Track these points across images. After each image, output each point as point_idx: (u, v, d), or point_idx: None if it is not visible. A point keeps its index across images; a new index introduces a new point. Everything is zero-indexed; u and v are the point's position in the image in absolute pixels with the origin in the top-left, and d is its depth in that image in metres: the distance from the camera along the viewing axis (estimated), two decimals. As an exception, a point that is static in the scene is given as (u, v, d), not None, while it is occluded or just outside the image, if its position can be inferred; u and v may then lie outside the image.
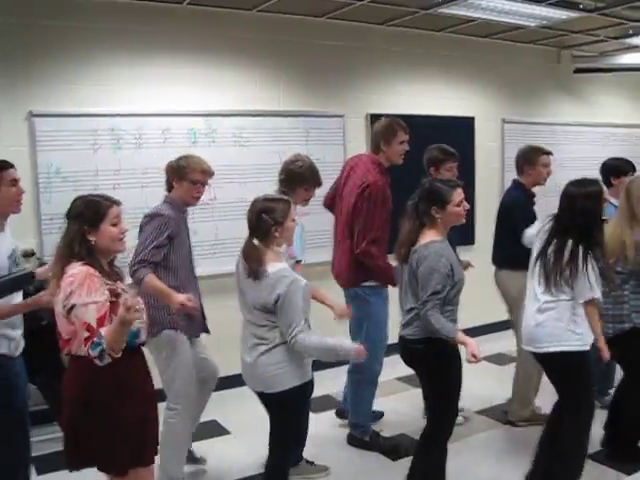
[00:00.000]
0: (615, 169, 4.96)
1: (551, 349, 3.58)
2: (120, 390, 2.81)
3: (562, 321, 3.57)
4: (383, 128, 4.45)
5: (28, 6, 4.82)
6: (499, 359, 6.21)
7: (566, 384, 3.67)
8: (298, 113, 5.93)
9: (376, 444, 4.53)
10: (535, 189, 4.79)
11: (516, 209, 4.66)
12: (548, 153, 4.83)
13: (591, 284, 3.52)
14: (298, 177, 4.13)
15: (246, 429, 4.73)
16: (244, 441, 4.66)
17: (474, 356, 3.22)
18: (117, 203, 2.94)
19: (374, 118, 6.17)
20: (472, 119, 7.09)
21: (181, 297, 3.57)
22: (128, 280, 3.32)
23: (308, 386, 3.46)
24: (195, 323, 3.99)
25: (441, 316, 3.27)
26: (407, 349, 3.56)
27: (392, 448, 4.43)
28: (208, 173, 3.94)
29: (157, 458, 3.15)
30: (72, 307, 2.68)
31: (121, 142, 5.14)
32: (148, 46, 5.25)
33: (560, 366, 3.64)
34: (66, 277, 2.74)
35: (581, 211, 3.57)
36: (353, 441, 4.61)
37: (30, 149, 4.87)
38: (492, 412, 5.08)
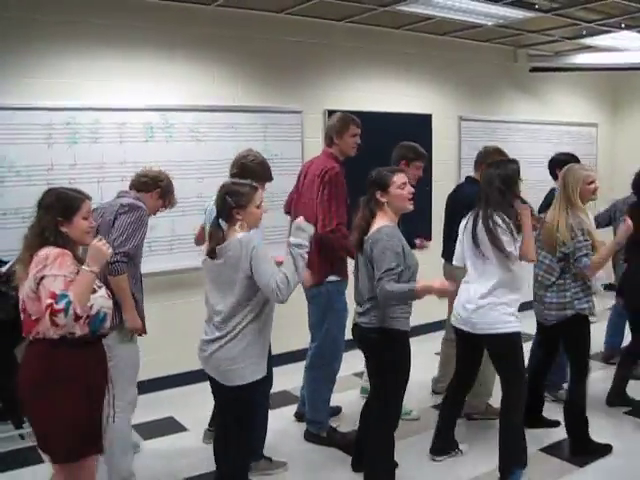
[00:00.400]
0: (560, 163, 5.13)
1: (492, 331, 3.85)
2: (74, 377, 2.86)
3: (496, 305, 3.86)
4: (336, 122, 4.56)
5: (-20, -3, 4.73)
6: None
7: (504, 360, 3.95)
8: (256, 109, 5.91)
9: (333, 440, 4.56)
10: None
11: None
12: (501, 152, 4.97)
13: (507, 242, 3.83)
14: (250, 171, 4.12)
15: (203, 425, 4.70)
16: (201, 438, 4.63)
17: (444, 286, 3.39)
18: (89, 198, 3.07)
19: (332, 114, 6.21)
20: (429, 116, 7.14)
21: (139, 323, 3.78)
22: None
23: (266, 381, 3.47)
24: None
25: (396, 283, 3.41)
26: (362, 337, 3.68)
27: (349, 443, 4.44)
28: None
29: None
30: (42, 278, 2.79)
31: (77, 136, 5.07)
32: (105, 39, 5.16)
33: (499, 346, 3.92)
34: (40, 253, 2.86)
35: (497, 189, 3.87)
36: (310, 437, 4.63)
37: (-18, 142, 4.78)
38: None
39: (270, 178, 4.30)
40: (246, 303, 3.26)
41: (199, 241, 4.49)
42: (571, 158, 5.20)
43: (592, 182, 4.22)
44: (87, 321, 2.85)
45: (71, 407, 2.84)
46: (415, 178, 4.70)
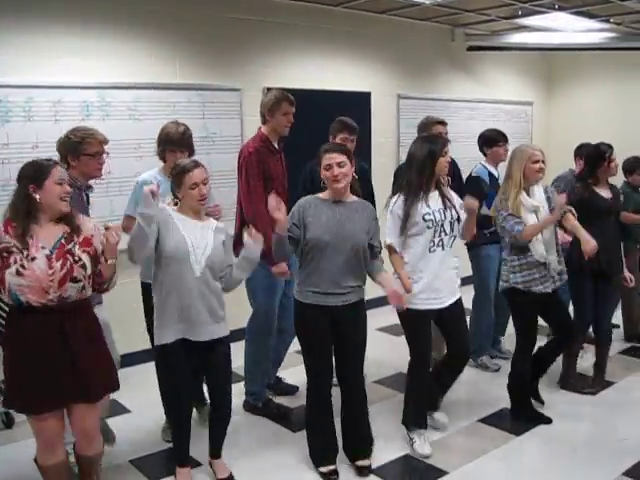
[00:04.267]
0: (488, 139, 5.36)
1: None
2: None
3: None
4: (268, 100, 4.51)
5: None
6: (396, 330, 6.35)
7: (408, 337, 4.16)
8: (194, 86, 5.85)
9: (268, 410, 4.71)
10: None
11: None
12: (441, 123, 5.10)
13: (388, 228, 3.97)
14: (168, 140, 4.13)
15: (147, 407, 4.68)
16: (145, 419, 4.61)
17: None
18: (61, 165, 3.21)
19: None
20: (369, 94, 7.18)
21: None
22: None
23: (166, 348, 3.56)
24: None
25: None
26: None
27: (282, 415, 4.63)
28: (105, 142, 3.87)
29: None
30: None
31: (9, 115, 4.93)
32: (40, 14, 5.02)
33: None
34: None
35: (415, 167, 3.97)
36: (247, 407, 4.77)
37: None
38: (388, 381, 5.29)
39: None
40: None
41: None
42: (497, 134, 5.38)
43: (537, 161, 4.25)
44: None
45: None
46: None
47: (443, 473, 3.88)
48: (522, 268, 4.29)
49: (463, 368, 4.28)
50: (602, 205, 4.75)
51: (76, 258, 3.05)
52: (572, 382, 5.03)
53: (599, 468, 3.89)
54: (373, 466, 3.92)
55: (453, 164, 4.81)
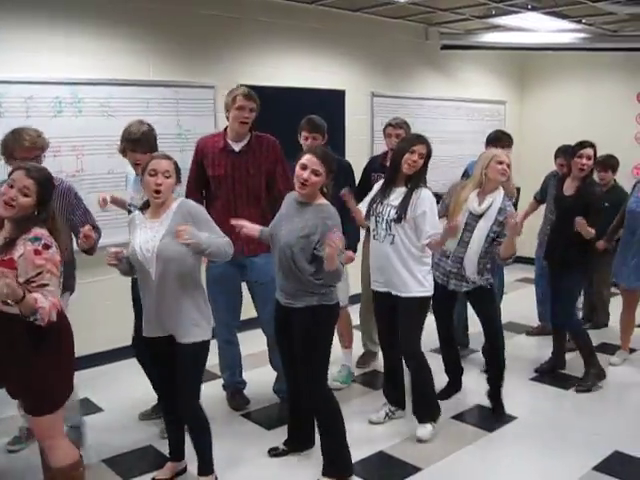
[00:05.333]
0: (490, 139, 5.44)
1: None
2: None
3: None
4: (226, 96, 4.43)
5: None
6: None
7: None
8: (168, 83, 5.80)
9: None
10: None
11: None
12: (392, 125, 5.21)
13: None
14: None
15: (119, 406, 4.65)
16: (117, 418, 4.59)
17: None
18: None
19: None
20: (343, 92, 7.18)
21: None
22: None
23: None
24: None
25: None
26: None
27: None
28: (32, 149, 3.78)
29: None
30: None
31: (-21, 110, 4.88)
32: (10, 8, 4.96)
33: None
34: None
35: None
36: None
37: None
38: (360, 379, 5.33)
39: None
40: None
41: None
42: (502, 135, 5.46)
43: (501, 162, 4.29)
44: None
45: None
46: None
47: (417, 470, 3.90)
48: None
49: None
50: (556, 201, 5.07)
51: None
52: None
53: (570, 463, 3.94)
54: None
55: None
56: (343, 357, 5.20)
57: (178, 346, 3.45)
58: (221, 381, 4.83)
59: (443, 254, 4.47)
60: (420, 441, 4.18)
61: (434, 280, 4.25)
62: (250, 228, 3.76)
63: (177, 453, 3.81)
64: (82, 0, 5.30)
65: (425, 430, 4.23)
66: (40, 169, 3.14)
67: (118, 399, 4.63)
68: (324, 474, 3.68)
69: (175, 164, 3.46)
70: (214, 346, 4.00)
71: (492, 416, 4.56)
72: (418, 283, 4.09)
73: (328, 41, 7.00)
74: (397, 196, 4.10)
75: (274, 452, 4.05)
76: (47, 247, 2.92)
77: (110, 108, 5.47)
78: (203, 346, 3.48)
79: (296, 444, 4.07)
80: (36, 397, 3.03)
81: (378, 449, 4.13)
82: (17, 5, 5.00)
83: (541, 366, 5.35)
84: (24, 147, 3.74)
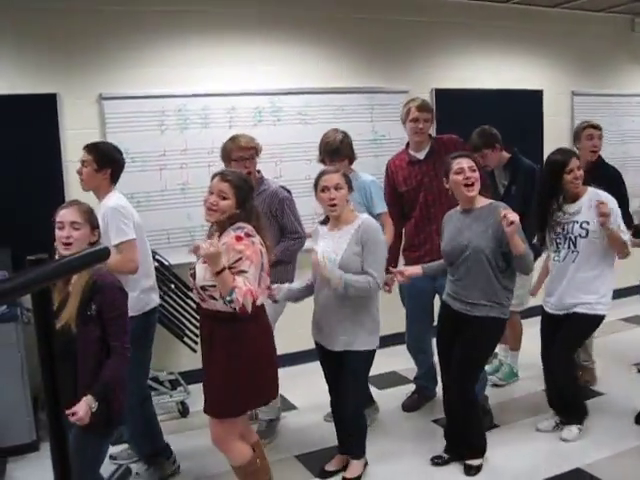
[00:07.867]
0: None
1: None
2: None
3: None
4: (402, 108, 4.65)
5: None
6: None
7: None
8: (362, 90, 5.89)
9: None
10: None
11: None
12: (594, 127, 4.84)
13: None
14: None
15: (312, 405, 4.76)
16: (310, 417, 4.69)
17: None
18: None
19: (439, 93, 6.12)
20: (540, 92, 6.92)
21: None
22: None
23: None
24: None
25: None
26: None
27: None
28: (246, 148, 4.10)
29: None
30: None
31: (187, 122, 5.21)
32: (214, 27, 5.28)
33: None
34: None
35: None
36: None
37: (100, 131, 4.97)
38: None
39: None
40: None
41: None
42: None
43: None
44: None
45: None
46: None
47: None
48: None
49: None
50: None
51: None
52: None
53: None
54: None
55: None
56: (510, 357, 5.15)
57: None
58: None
59: None
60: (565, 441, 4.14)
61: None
62: (411, 271, 3.92)
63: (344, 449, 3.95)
64: (276, 12, 5.52)
65: (570, 432, 4.19)
66: (234, 172, 3.34)
67: (312, 398, 4.75)
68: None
69: (345, 175, 3.59)
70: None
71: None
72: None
73: (523, 40, 6.77)
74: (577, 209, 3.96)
75: (436, 460, 4.01)
76: (248, 235, 3.06)
77: (307, 116, 5.65)
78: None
79: (455, 450, 4.02)
80: (218, 400, 3.16)
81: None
82: (220, 26, 5.31)
83: None
84: (240, 146, 4.09)
